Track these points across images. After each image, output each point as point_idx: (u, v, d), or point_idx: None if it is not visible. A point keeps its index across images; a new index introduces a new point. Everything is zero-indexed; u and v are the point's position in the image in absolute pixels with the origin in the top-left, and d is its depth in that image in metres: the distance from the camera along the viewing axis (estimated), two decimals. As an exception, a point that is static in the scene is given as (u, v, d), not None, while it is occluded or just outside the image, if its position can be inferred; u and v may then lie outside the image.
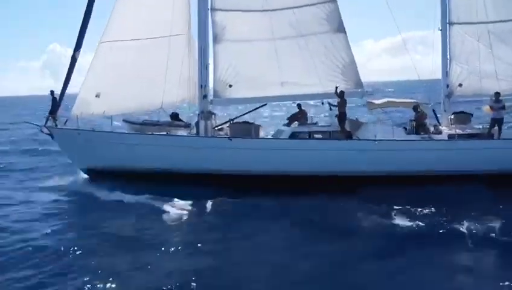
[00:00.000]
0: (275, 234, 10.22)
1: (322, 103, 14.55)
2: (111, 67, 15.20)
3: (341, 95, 13.40)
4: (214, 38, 15.06)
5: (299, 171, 12.72)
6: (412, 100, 14.34)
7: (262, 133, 14.35)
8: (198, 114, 14.36)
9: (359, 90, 14.32)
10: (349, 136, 13.17)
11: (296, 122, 14.10)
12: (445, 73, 14.78)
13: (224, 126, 14.60)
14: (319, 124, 14.04)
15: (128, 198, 12.73)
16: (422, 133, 13.36)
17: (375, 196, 11.53)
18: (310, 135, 13.36)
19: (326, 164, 12.74)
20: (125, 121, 15.22)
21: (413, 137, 13.38)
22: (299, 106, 14.47)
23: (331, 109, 13.85)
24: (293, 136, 13.29)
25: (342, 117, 13.24)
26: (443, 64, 14.73)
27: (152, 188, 12.79)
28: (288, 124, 14.05)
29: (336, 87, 13.37)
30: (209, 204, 12.16)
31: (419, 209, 11.13)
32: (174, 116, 14.97)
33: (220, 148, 13.11)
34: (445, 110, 14.86)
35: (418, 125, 13.59)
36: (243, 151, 12.96)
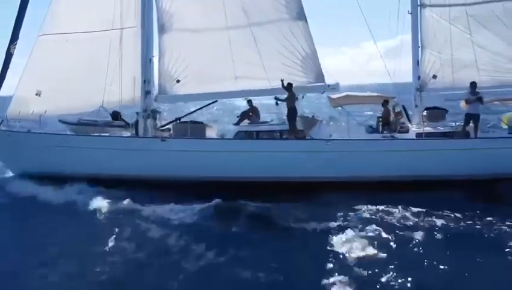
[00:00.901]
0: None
1: (277, 104, 12.95)
2: (52, 62, 13.81)
3: (288, 88, 11.70)
4: (160, 27, 13.46)
5: (241, 176, 10.98)
6: (376, 94, 12.67)
7: (212, 134, 12.77)
8: (137, 113, 12.81)
9: (320, 84, 12.70)
10: (301, 135, 11.43)
11: (247, 120, 12.49)
12: (416, 63, 12.80)
13: (171, 126, 13.05)
14: (271, 123, 12.27)
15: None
16: (385, 132, 11.67)
17: (324, 204, 9.93)
18: (257, 135, 11.64)
19: (271, 167, 11.00)
20: (60, 121, 13.76)
21: (372, 136, 11.59)
22: (249, 102, 12.83)
23: (277, 104, 12.07)
24: (238, 136, 11.60)
25: (290, 114, 11.50)
26: (414, 53, 12.77)
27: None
28: (237, 123, 12.41)
29: (282, 80, 11.71)
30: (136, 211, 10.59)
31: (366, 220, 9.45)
32: (115, 115, 13.44)
33: (151, 151, 11.45)
34: (416, 106, 12.85)
35: (385, 124, 11.94)
36: (177, 154, 11.28)
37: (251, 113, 12.47)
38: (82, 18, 13.58)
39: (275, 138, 11.48)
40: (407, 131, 11.98)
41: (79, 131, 13.24)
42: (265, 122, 12.10)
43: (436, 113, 12.54)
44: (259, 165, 10.98)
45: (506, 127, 12.20)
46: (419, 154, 10.95)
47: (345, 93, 12.52)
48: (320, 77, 12.73)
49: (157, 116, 13.05)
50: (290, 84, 11.77)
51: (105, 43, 13.38)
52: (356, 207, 9.97)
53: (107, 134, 12.82)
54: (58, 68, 13.84)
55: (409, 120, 12.81)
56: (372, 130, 12.06)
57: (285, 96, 11.87)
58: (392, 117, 12.02)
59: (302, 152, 11.06)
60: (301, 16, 13.02)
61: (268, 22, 13.25)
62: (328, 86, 12.53)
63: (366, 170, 10.87)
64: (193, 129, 12.03)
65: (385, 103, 12.36)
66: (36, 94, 14.01)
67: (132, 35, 13.42)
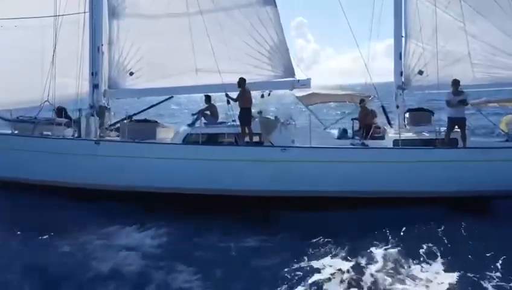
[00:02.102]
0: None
1: (262, 96, 11.30)
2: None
3: (240, 83, 10.02)
4: (111, 12, 11.89)
5: (184, 187, 9.38)
6: (349, 92, 11.04)
7: (168, 136, 11.25)
8: (79, 109, 11.33)
9: (289, 79, 11.11)
10: (259, 140, 9.72)
11: (203, 119, 10.82)
12: (399, 56, 10.86)
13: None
14: (229, 123, 10.26)
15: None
16: (357, 137, 10.02)
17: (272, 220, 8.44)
18: (209, 139, 9.95)
19: (216, 178, 9.33)
20: (-1, 117, 12.37)
21: (341, 143, 9.90)
22: (207, 99, 11.17)
23: (228, 103, 10.20)
24: (188, 139, 9.94)
25: (243, 115, 9.78)
26: (396, 44, 10.84)
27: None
28: (192, 123, 10.69)
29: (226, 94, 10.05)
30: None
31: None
32: (59, 111, 11.96)
33: (84, 155, 9.90)
34: (397, 106, 10.82)
35: (362, 127, 10.22)
36: (113, 160, 9.70)
37: (208, 112, 10.94)
38: (26, 2, 12.12)
39: (230, 143, 9.78)
40: (382, 137, 10.21)
41: (17, 128, 11.84)
42: (222, 124, 10.49)
43: (420, 116, 10.66)
44: (203, 176, 9.38)
45: (504, 132, 10.51)
46: (393, 166, 9.13)
47: (311, 91, 10.89)
48: (289, 71, 11.13)
49: (106, 114, 11.58)
50: (242, 80, 10.11)
51: (50, 30, 11.91)
52: (313, 229, 8.29)
53: (48, 133, 11.37)
54: (4, 58, 12.52)
55: (389, 123, 11.01)
56: (342, 134, 10.42)
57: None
58: (370, 119, 10.30)
59: (252, 161, 9.30)
60: (270, 0, 11.41)
61: (234, 7, 11.65)
62: (298, 81, 10.93)
63: (326, 184, 9.15)
64: (141, 130, 10.52)
65: (362, 102, 10.68)
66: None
67: (81, 21, 11.91)
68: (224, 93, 10.23)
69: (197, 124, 10.39)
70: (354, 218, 8.66)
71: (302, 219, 8.58)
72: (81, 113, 11.07)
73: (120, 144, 9.90)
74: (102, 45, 11.65)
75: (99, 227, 8.58)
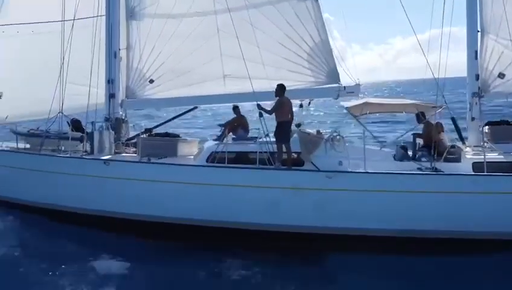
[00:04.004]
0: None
1: (301, 106, 9.53)
2: (13, 59, 11.52)
3: (278, 91, 8.24)
4: (130, 13, 10.63)
5: (207, 219, 7.81)
6: (411, 102, 9.04)
7: (191, 152, 9.74)
8: (92, 123, 10.03)
9: (334, 85, 9.33)
10: (294, 161, 7.89)
11: (231, 134, 9.22)
12: (474, 55, 8.78)
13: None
14: (262, 139, 8.28)
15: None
16: (424, 158, 7.87)
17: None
18: (236, 158, 8.25)
19: (245, 208, 7.62)
20: (12, 131, 11.30)
21: (404, 167, 7.71)
22: (235, 109, 9.57)
23: (261, 116, 8.26)
24: (212, 159, 8.25)
25: (280, 131, 8.00)
26: (470, 41, 8.73)
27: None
28: (219, 138, 9.12)
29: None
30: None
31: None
32: (75, 123, 10.76)
33: (93, 177, 8.42)
34: (473, 119, 8.89)
35: (427, 144, 8.05)
36: (124, 184, 8.19)
37: (237, 124, 9.35)
38: (46, 5, 11.08)
39: (262, 164, 7.82)
40: (457, 159, 7.94)
41: (29, 143, 10.74)
42: (253, 139, 8.67)
43: (504, 131, 8.49)
44: (228, 205, 7.70)
45: None
46: (476, 199, 7.02)
47: (363, 100, 8.97)
48: (333, 76, 9.35)
49: (124, 127, 10.23)
50: (280, 87, 8.36)
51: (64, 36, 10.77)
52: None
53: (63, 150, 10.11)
54: (19, 66, 11.56)
55: (462, 140, 8.86)
56: (404, 154, 8.18)
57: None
58: (437, 136, 7.92)
59: (289, 189, 7.49)
60: (310, -7, 9.73)
61: (266, 3, 10.09)
62: (344, 88, 9.15)
63: (387, 221, 7.25)
64: (159, 145, 9.06)
65: (422, 114, 8.53)
66: (-3, 97, 11.93)
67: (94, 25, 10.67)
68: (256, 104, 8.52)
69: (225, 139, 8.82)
70: (434, 265, 6.73)
71: (360, 263, 6.76)
72: (94, 126, 9.78)
73: (130, 164, 8.45)
74: (119, 49, 10.38)
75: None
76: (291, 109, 8.29)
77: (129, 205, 8.16)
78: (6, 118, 12.00)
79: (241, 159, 8.18)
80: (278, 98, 8.26)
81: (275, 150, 7.91)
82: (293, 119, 8.31)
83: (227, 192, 7.69)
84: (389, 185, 7.28)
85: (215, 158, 8.10)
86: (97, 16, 10.68)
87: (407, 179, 7.34)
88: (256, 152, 7.90)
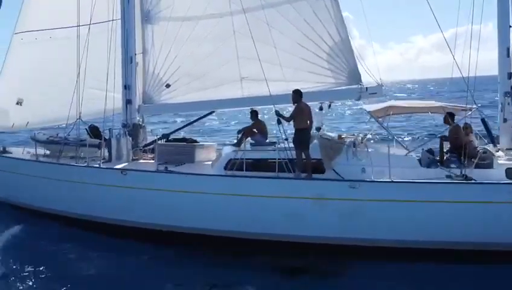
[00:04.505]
0: None
1: (321, 108, 8.98)
2: (32, 65, 11.59)
3: (296, 97, 7.89)
4: (145, 17, 10.48)
5: (224, 229, 7.58)
6: (438, 104, 8.53)
7: (210, 157, 9.55)
8: (109, 129, 9.94)
9: (354, 86, 8.95)
10: (314, 168, 7.49)
11: (250, 139, 8.89)
12: (506, 52, 8.11)
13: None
14: (281, 145, 7.89)
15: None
16: (453, 164, 7.31)
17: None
18: (254, 166, 7.86)
19: (264, 218, 7.35)
20: (32, 138, 11.35)
21: (432, 174, 7.18)
22: (253, 114, 9.22)
23: (279, 123, 7.87)
24: (229, 166, 7.98)
25: (299, 137, 7.67)
26: (501, 37, 8.13)
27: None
28: (237, 143, 8.86)
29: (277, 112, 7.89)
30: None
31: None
32: (93, 130, 10.73)
33: (110, 186, 8.25)
34: (505, 120, 8.24)
35: (455, 149, 7.56)
36: (141, 194, 8.00)
37: (254, 128, 9.09)
38: (63, 11, 11.05)
39: (281, 172, 7.50)
40: (490, 164, 7.33)
41: (50, 150, 10.77)
42: (273, 144, 8.26)
43: None
44: (245, 215, 7.41)
45: None
46: (494, 209, 6.48)
47: (387, 103, 8.52)
48: (354, 76, 8.98)
49: (140, 132, 10.11)
50: (296, 93, 7.98)
51: (80, 41, 10.71)
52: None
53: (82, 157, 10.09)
54: (39, 72, 11.62)
55: (493, 142, 8.28)
56: (431, 160, 7.57)
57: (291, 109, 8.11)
58: (465, 138, 7.57)
59: (310, 199, 7.08)
60: (328, -9, 9.36)
61: (284, 2, 9.77)
62: (366, 89, 8.77)
63: (414, 232, 6.83)
64: (176, 152, 8.90)
65: (451, 116, 8.02)
66: (17, 103, 12.04)
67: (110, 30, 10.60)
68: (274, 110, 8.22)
69: (243, 146, 8.57)
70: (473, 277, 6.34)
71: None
72: (112, 133, 9.70)
73: (147, 174, 8.31)
74: (135, 54, 10.27)
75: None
76: (311, 115, 7.98)
77: (147, 215, 8.02)
78: (27, 124, 12.21)
79: (260, 166, 7.89)
80: (295, 104, 7.95)
81: (294, 156, 7.61)
82: (312, 125, 7.99)
83: (246, 202, 7.43)
84: (416, 194, 6.84)
85: (234, 165, 7.87)
86: (112, 20, 10.66)
87: (435, 188, 6.83)
88: (275, 159, 7.60)
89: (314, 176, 7.50)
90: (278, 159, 7.54)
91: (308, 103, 8.96)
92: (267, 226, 7.40)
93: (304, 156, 7.53)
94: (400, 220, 6.94)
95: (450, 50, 7.39)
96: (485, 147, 7.79)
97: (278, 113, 7.89)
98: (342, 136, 8.29)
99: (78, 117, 10.51)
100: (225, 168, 7.99)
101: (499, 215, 6.56)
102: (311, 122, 7.91)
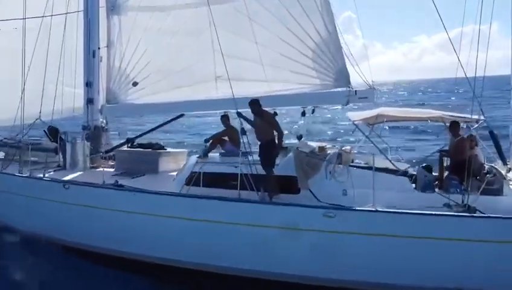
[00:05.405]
0: None
1: (304, 114, 7.90)
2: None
3: (257, 108, 6.77)
4: (111, 6, 9.32)
5: (177, 259, 6.44)
6: (438, 112, 7.24)
7: (178, 165, 8.39)
8: (64, 133, 8.83)
9: (341, 89, 7.75)
10: (286, 188, 6.28)
11: (220, 147, 7.75)
12: None
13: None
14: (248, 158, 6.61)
15: None
16: (453, 188, 5.99)
17: None
18: (216, 181, 6.64)
19: (227, 249, 6.14)
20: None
21: (427, 200, 5.82)
22: (223, 118, 8.04)
23: (243, 133, 6.71)
24: (190, 180, 6.71)
25: (265, 151, 6.53)
26: None
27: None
28: (205, 153, 7.59)
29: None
30: None
31: None
32: (51, 131, 9.65)
33: (50, 201, 7.14)
34: None
35: (457, 167, 6.27)
36: (83, 211, 6.85)
37: (226, 137, 7.94)
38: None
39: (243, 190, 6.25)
40: (498, 190, 6.03)
41: (5, 152, 9.68)
42: (244, 155, 6.75)
43: None
44: (201, 244, 6.17)
45: None
46: None
47: (377, 111, 7.13)
48: (342, 77, 7.78)
49: (103, 136, 9.00)
50: (254, 103, 6.82)
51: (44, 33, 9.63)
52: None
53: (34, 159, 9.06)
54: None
55: (503, 160, 6.83)
56: (428, 181, 6.19)
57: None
58: (470, 153, 6.18)
59: (276, 228, 5.82)
60: (314, -22, 8.15)
61: (266, -8, 8.61)
62: (355, 93, 7.57)
63: (400, 275, 5.57)
64: (137, 160, 7.79)
65: (456, 126, 6.76)
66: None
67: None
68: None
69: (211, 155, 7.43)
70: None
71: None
72: (67, 137, 8.59)
73: (91, 190, 7.17)
74: (99, 48, 9.15)
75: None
76: (275, 124, 6.83)
77: (92, 237, 6.91)
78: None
79: (223, 181, 6.69)
80: (264, 112, 6.77)
81: (260, 172, 6.40)
82: (278, 137, 6.73)
83: (201, 228, 6.24)
84: (404, 228, 5.56)
85: (197, 180, 6.72)
86: (76, 12, 9.57)
87: (428, 222, 5.52)
88: (236, 175, 6.31)
89: (285, 197, 6.30)
90: (243, 174, 6.29)
91: (288, 108, 7.85)
92: (224, 258, 6.21)
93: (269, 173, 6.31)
94: (385, 259, 5.67)
95: (454, 50, 6.12)
96: (493, 165, 6.55)
97: (240, 115, 6.71)
98: (325, 147, 7.09)
99: (37, 117, 9.52)
100: (186, 182, 6.83)
101: (508, 259, 5.32)
102: (281, 134, 6.68)
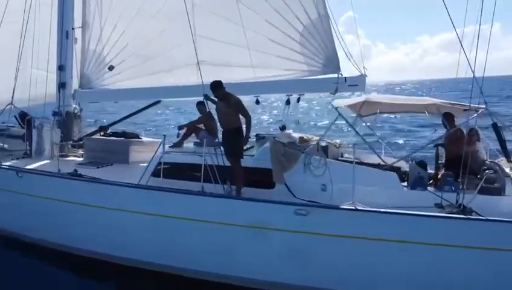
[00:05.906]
0: None
1: (288, 102, 7.22)
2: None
3: (218, 89, 6.08)
4: (88, -17, 8.79)
5: (135, 258, 5.83)
6: (433, 100, 6.55)
7: (150, 155, 7.73)
8: (33, 117, 8.21)
9: (330, 76, 7.03)
10: (260, 182, 5.61)
11: (195, 136, 7.01)
12: None
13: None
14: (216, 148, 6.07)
15: None
16: (447, 187, 5.23)
17: None
18: (180, 173, 6.01)
19: (189, 250, 5.50)
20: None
21: (417, 198, 5.09)
22: (199, 105, 7.19)
23: (212, 118, 6.30)
24: (157, 171, 6.07)
25: (229, 140, 5.90)
26: None
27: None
28: (178, 143, 6.90)
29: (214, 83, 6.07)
30: None
31: None
32: (22, 116, 9.03)
33: (2, 190, 6.49)
34: None
35: (452, 161, 5.53)
36: (36, 202, 6.20)
37: (201, 124, 7.22)
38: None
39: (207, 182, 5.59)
40: (499, 189, 5.23)
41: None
42: (217, 144, 6.28)
43: None
44: (160, 242, 5.57)
45: None
46: None
47: (366, 96, 6.53)
48: (332, 63, 7.09)
49: (75, 123, 8.37)
50: (216, 84, 6.13)
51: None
52: None
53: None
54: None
55: (507, 156, 6.04)
56: (420, 177, 5.53)
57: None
58: (470, 149, 5.42)
59: (242, 227, 5.09)
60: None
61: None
62: (345, 80, 6.86)
63: (381, 283, 4.86)
64: (106, 148, 7.15)
65: (450, 117, 6.18)
66: None
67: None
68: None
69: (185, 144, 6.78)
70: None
71: None
72: (34, 122, 7.97)
73: (45, 178, 6.53)
74: (73, 29, 8.52)
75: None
76: (243, 110, 6.08)
77: (45, 231, 6.27)
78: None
79: (188, 173, 6.00)
80: (230, 96, 6.06)
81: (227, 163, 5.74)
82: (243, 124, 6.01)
83: (162, 224, 5.59)
84: (386, 230, 4.79)
85: (164, 171, 6.06)
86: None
87: (415, 223, 4.73)
88: (200, 166, 5.56)
89: (259, 192, 5.62)
90: (209, 165, 5.58)
91: (273, 95, 7.15)
92: (181, 258, 5.56)
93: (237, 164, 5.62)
94: (361, 265, 4.94)
95: (462, 49, 5.35)
96: (496, 161, 5.80)
97: (207, 97, 6.01)
98: (309, 139, 6.39)
99: (9, 102, 8.92)
100: (153, 174, 6.17)
101: (507, 268, 4.57)
102: (249, 119, 5.96)
